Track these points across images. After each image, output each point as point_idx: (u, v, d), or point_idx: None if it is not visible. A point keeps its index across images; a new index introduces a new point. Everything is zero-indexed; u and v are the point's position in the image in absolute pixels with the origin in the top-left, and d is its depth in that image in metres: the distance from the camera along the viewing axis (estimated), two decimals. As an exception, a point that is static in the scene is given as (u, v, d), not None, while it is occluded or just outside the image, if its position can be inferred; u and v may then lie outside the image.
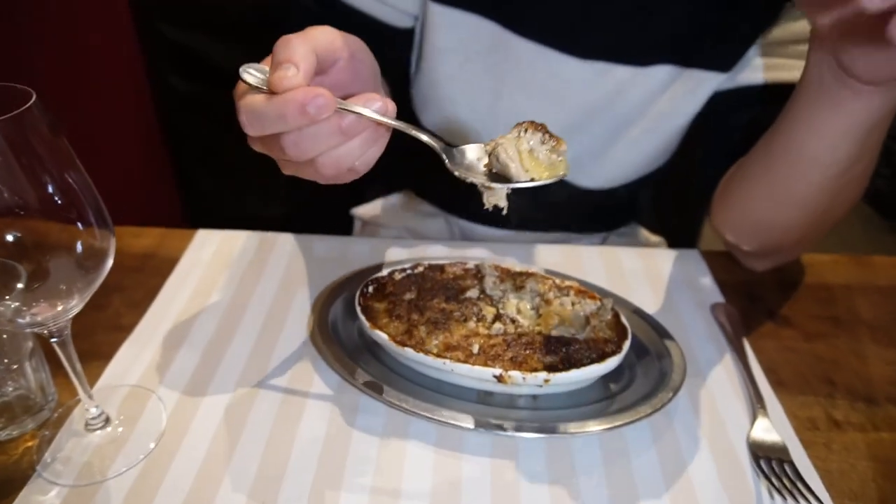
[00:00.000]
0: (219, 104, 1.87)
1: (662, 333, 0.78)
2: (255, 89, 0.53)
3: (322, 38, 0.55)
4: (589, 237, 1.21)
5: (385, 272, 0.82)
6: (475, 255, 0.97)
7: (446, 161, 0.60)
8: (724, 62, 0.90)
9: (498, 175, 0.60)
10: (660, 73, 0.91)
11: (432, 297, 0.77)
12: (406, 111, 1.09)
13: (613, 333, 0.73)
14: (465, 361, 0.68)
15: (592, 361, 0.69)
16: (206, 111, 1.80)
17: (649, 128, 0.97)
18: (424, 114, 1.06)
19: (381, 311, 0.76)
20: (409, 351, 0.69)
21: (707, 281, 0.93)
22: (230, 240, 0.97)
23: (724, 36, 0.88)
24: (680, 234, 1.34)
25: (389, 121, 0.55)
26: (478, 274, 0.82)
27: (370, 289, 0.79)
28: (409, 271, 0.82)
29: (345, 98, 0.54)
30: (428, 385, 0.71)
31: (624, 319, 0.75)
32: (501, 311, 0.75)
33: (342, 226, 1.33)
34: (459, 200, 1.18)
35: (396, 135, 0.57)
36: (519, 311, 0.76)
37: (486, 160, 0.61)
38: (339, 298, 0.82)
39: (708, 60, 0.90)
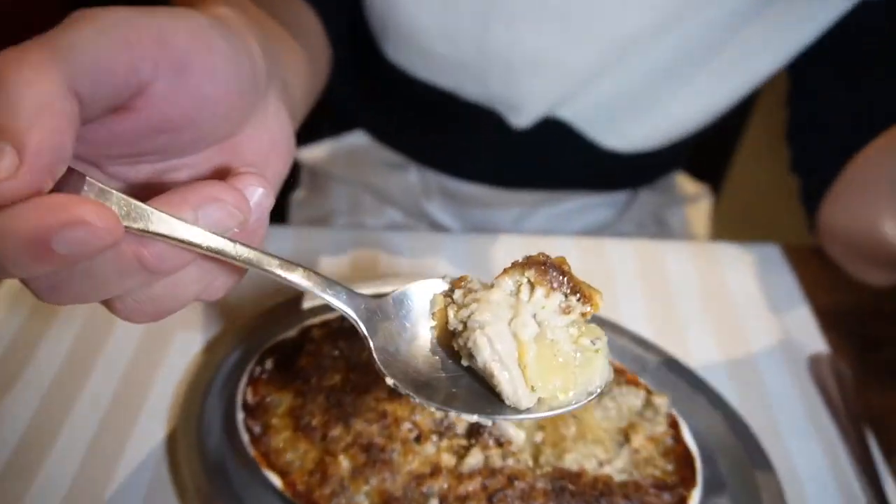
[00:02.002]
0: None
1: (750, 447, 0.48)
2: None
3: (95, 51, 0.26)
4: (612, 195, 0.88)
5: (296, 328, 0.51)
6: (449, 248, 0.66)
7: (373, 350, 0.32)
8: None
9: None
10: None
11: (368, 388, 0.46)
12: (365, 39, 0.73)
13: (671, 465, 0.44)
14: (414, 537, 0.39)
15: (636, 536, 0.40)
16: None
17: (721, 70, 0.62)
18: (389, 45, 0.71)
19: (282, 414, 0.46)
20: (317, 516, 0.40)
21: (800, 310, 0.62)
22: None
23: None
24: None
25: (247, 251, 0.28)
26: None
27: (268, 364, 0.48)
28: (335, 326, 0.51)
29: (150, 193, 0.28)
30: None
31: (688, 436, 0.45)
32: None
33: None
34: (436, 147, 0.84)
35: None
36: (511, 409, 0.46)
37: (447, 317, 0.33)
38: (225, 364, 0.52)
39: None
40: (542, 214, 0.85)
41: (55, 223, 0.23)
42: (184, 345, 0.55)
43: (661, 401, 0.46)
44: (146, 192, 0.30)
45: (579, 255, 0.66)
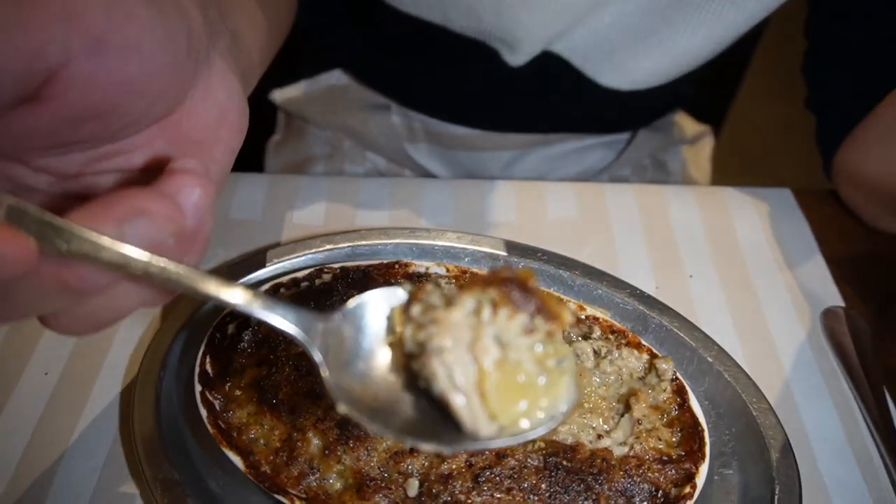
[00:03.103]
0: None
1: (760, 412, 0.43)
2: None
3: None
4: (610, 137, 0.82)
5: (263, 288, 0.46)
6: (433, 196, 0.61)
7: (325, 380, 0.29)
8: None
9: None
10: None
11: (341, 354, 0.41)
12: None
13: (676, 436, 0.39)
14: (391, 523, 0.35)
15: (638, 517, 0.36)
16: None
17: None
18: None
19: (246, 385, 0.41)
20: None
21: (813, 261, 0.57)
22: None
23: None
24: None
25: (177, 272, 0.25)
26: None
27: (230, 329, 0.44)
28: (305, 284, 0.46)
29: (85, 186, 0.28)
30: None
31: (694, 404, 0.41)
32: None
33: (262, 119, 0.92)
34: (422, 86, 0.78)
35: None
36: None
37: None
38: (186, 330, 0.47)
39: None
40: (535, 157, 0.80)
41: None
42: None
43: (665, 365, 0.41)
44: (79, 185, 0.27)
45: (576, 201, 0.61)
